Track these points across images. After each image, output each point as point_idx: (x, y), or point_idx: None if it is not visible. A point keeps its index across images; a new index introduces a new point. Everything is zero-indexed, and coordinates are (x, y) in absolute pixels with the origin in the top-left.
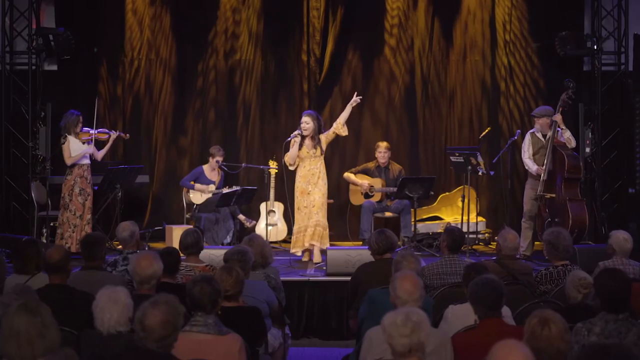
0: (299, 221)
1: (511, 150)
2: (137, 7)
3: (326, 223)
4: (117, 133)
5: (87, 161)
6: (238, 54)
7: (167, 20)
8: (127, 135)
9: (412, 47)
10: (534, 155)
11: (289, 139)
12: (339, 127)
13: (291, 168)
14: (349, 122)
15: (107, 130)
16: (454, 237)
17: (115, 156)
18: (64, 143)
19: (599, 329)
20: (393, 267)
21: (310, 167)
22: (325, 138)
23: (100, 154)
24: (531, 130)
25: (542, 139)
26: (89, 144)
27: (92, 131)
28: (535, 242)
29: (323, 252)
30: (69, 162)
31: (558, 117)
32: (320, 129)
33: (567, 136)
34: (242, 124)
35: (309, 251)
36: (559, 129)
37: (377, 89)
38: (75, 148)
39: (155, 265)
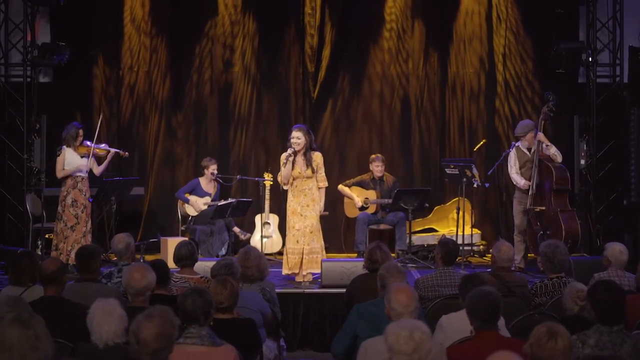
0: (289, 242)
1: (506, 162)
2: (135, 16)
3: (322, 244)
4: (115, 150)
5: (82, 174)
6: (234, 66)
7: (164, 34)
8: (126, 153)
9: (407, 59)
10: (520, 169)
11: (285, 161)
12: (319, 182)
13: (285, 187)
14: (343, 133)
15: (107, 147)
16: (448, 250)
17: (110, 168)
18: (58, 155)
19: (594, 341)
20: (378, 282)
21: (302, 188)
22: (319, 162)
23: (100, 170)
24: (516, 144)
25: (528, 153)
26: (87, 157)
27: (91, 145)
28: (528, 255)
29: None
30: (59, 175)
31: (541, 137)
32: (311, 143)
33: (552, 152)
34: (237, 137)
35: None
36: (544, 144)
37: (372, 102)
38: (71, 161)
39: (149, 276)
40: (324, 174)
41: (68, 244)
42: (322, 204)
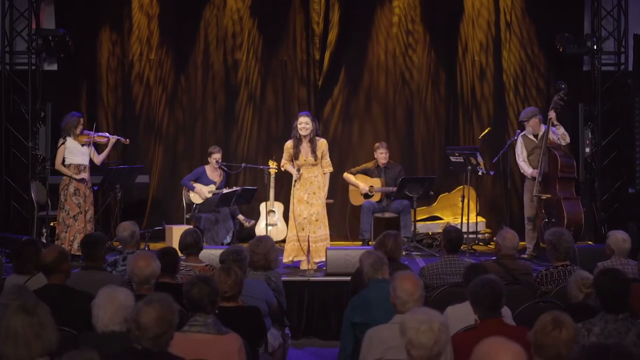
0: (292, 229)
1: (510, 150)
2: (143, 2)
3: (328, 232)
4: (117, 137)
5: (83, 162)
6: (238, 54)
7: (169, 20)
8: (127, 140)
9: (415, 47)
10: (528, 156)
11: (294, 182)
12: (324, 168)
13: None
14: (348, 122)
15: (107, 134)
16: (450, 238)
17: (115, 156)
18: (61, 144)
19: (599, 329)
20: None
21: (308, 176)
22: (324, 148)
23: (100, 158)
24: (522, 133)
25: (535, 139)
26: (88, 146)
27: (92, 134)
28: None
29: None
30: (57, 167)
31: (552, 114)
32: (317, 130)
33: (561, 132)
34: (242, 124)
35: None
36: (553, 127)
37: (377, 90)
38: (73, 150)
39: (153, 264)
40: (329, 159)
41: (70, 233)
42: (326, 189)
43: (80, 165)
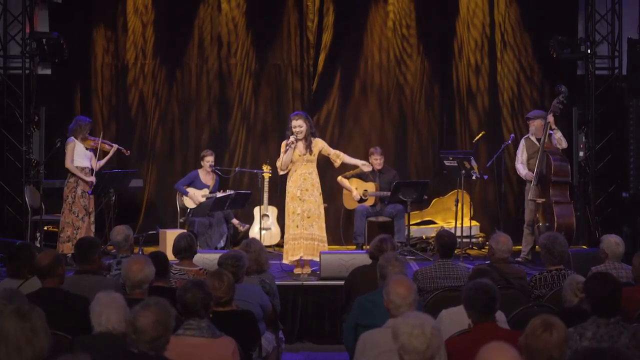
0: (289, 228)
1: (504, 154)
2: (137, 6)
3: (324, 235)
4: (119, 147)
5: (87, 165)
6: (232, 59)
7: (161, 24)
8: (128, 152)
9: (410, 52)
10: (529, 160)
11: (287, 148)
12: (337, 159)
13: (281, 173)
14: (342, 124)
15: (110, 143)
16: (443, 243)
17: (109, 160)
18: (65, 144)
19: (591, 333)
20: (378, 272)
21: (302, 172)
22: (322, 146)
23: (98, 165)
24: (525, 136)
25: (537, 143)
26: (91, 151)
27: (97, 140)
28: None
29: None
30: (67, 164)
31: (550, 118)
32: (312, 129)
33: (558, 137)
34: (235, 129)
35: (300, 261)
36: (550, 131)
37: (372, 92)
38: (80, 152)
39: (147, 269)
40: (335, 151)
41: (81, 234)
42: (355, 160)
43: (85, 168)
